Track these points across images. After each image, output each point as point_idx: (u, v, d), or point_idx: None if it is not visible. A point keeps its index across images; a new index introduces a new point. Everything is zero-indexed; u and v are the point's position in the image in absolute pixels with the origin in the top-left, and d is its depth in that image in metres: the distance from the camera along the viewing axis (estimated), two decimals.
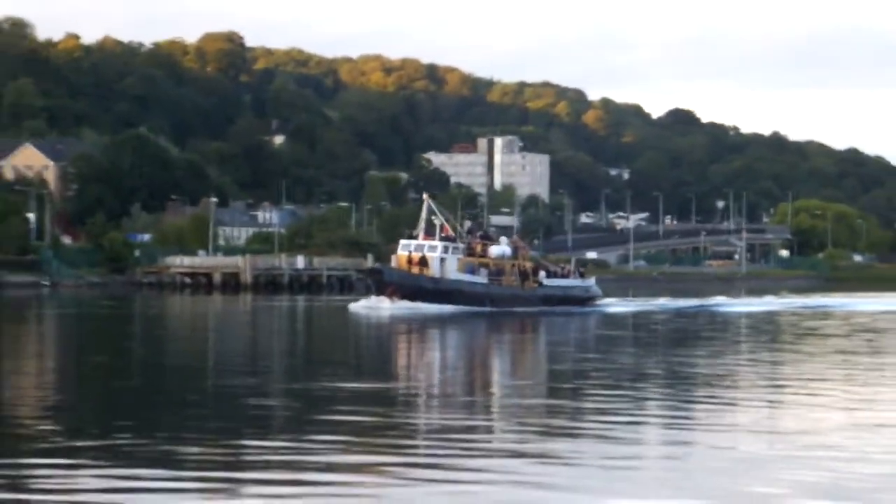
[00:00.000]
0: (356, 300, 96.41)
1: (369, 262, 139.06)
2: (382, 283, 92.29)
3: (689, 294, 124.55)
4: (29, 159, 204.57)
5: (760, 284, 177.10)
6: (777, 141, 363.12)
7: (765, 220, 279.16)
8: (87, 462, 22.96)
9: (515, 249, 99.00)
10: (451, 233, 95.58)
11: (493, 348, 60.05)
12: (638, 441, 26.70)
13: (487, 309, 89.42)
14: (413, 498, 19.85)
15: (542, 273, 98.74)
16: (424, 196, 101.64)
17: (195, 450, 24.79)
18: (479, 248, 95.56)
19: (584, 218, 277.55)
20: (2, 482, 20.93)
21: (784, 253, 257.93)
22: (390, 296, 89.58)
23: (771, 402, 35.45)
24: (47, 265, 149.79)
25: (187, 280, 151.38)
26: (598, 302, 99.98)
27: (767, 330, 74.19)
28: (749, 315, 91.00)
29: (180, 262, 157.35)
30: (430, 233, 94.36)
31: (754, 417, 31.65)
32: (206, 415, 31.49)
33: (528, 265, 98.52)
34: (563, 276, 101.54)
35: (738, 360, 50.41)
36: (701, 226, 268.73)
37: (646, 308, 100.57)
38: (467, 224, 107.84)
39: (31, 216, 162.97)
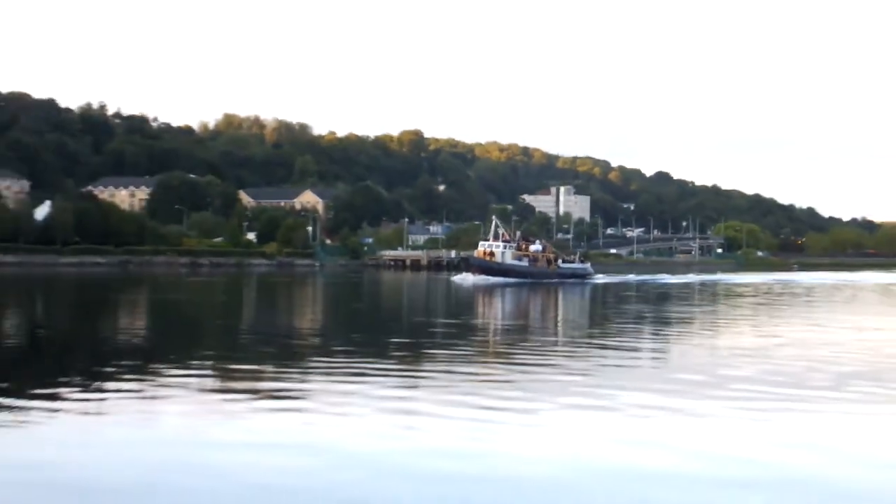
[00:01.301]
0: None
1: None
2: (469, 265, 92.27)
3: (664, 272, 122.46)
4: (308, 198, 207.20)
5: (706, 268, 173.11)
6: (715, 189, 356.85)
7: (708, 232, 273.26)
8: (336, 365, 23.08)
9: (544, 247, 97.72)
10: (508, 237, 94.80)
11: (536, 302, 58.95)
12: (636, 356, 26.16)
13: (529, 281, 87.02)
14: (520, 381, 19.59)
15: (560, 260, 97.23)
16: (493, 217, 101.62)
17: (395, 358, 24.75)
18: (524, 246, 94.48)
19: (609, 231, 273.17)
20: (292, 374, 21.11)
21: (719, 250, 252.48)
22: (473, 272, 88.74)
23: (710, 330, 34.64)
24: (318, 255, 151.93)
25: (392, 263, 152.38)
26: (592, 277, 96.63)
27: (709, 292, 72.62)
28: (696, 284, 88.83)
29: (389, 254, 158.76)
30: (496, 237, 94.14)
31: (701, 338, 30.78)
32: (404, 339, 31.48)
33: (552, 255, 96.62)
34: (572, 262, 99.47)
35: (691, 308, 49.43)
36: (673, 235, 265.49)
37: (622, 280, 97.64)
38: (518, 233, 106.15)
39: (309, 229, 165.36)
